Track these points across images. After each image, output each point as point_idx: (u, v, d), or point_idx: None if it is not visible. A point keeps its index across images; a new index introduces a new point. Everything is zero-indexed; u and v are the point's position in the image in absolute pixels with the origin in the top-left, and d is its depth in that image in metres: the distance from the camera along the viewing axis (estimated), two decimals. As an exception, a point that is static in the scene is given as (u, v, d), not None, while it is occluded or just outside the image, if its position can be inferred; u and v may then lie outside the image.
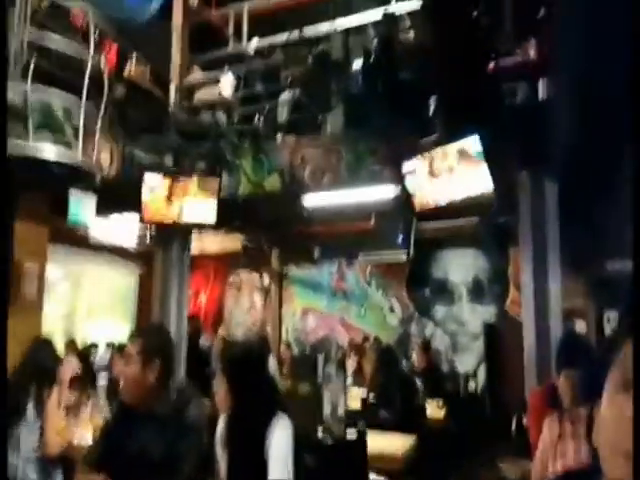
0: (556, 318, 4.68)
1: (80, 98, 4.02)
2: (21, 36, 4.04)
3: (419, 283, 9.01)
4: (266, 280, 10.37)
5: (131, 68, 5.52)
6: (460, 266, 8.74)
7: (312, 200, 6.24)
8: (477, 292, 8.60)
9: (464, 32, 4.63)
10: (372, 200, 6.13)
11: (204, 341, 8.18)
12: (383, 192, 5.82)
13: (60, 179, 4.33)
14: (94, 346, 7.54)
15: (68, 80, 4.41)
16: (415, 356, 6.40)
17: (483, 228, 7.23)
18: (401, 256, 8.24)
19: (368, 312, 9.52)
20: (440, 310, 8.86)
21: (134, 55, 5.61)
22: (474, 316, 8.54)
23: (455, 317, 8.72)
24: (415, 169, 4.93)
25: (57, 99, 4.03)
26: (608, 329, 6.73)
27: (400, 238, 7.81)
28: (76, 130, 4.13)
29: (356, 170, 5.81)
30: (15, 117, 4.03)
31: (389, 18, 6.40)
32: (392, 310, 9.29)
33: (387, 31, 6.41)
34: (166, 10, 7.12)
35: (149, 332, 2.73)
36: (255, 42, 7.89)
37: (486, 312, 8.46)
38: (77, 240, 7.09)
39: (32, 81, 4.01)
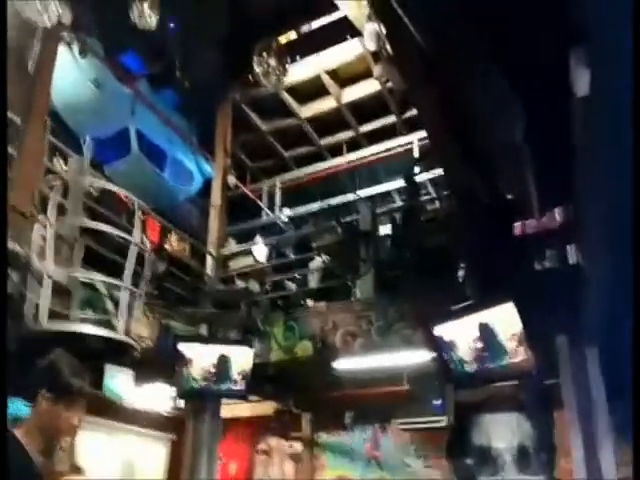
0: (612, 492, 4.30)
1: (122, 277, 4.19)
2: (73, 221, 4.35)
3: (460, 451, 8.43)
4: (298, 447, 9.87)
5: (172, 244, 5.83)
6: (503, 432, 8.22)
7: (343, 364, 6.15)
8: (523, 460, 7.99)
9: (488, 201, 4.77)
10: (405, 364, 6.01)
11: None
12: (416, 356, 5.72)
13: (99, 353, 4.40)
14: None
15: (112, 259, 4.66)
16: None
17: (525, 391, 6.94)
18: (439, 422, 7.85)
19: (406, 483, 8.85)
20: (485, 482, 8.21)
21: (174, 232, 5.94)
22: (522, 488, 7.87)
23: (502, 490, 8.04)
24: (451, 335, 4.89)
25: (102, 279, 4.22)
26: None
27: (437, 402, 7.51)
28: (117, 306, 4.27)
29: (387, 334, 5.78)
30: (60, 295, 4.21)
31: (413, 187, 6.74)
32: (432, 482, 8.64)
33: (412, 199, 6.73)
34: (205, 188, 7.68)
35: None
36: (286, 213, 8.37)
37: (535, 483, 7.80)
38: (110, 411, 6.99)
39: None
